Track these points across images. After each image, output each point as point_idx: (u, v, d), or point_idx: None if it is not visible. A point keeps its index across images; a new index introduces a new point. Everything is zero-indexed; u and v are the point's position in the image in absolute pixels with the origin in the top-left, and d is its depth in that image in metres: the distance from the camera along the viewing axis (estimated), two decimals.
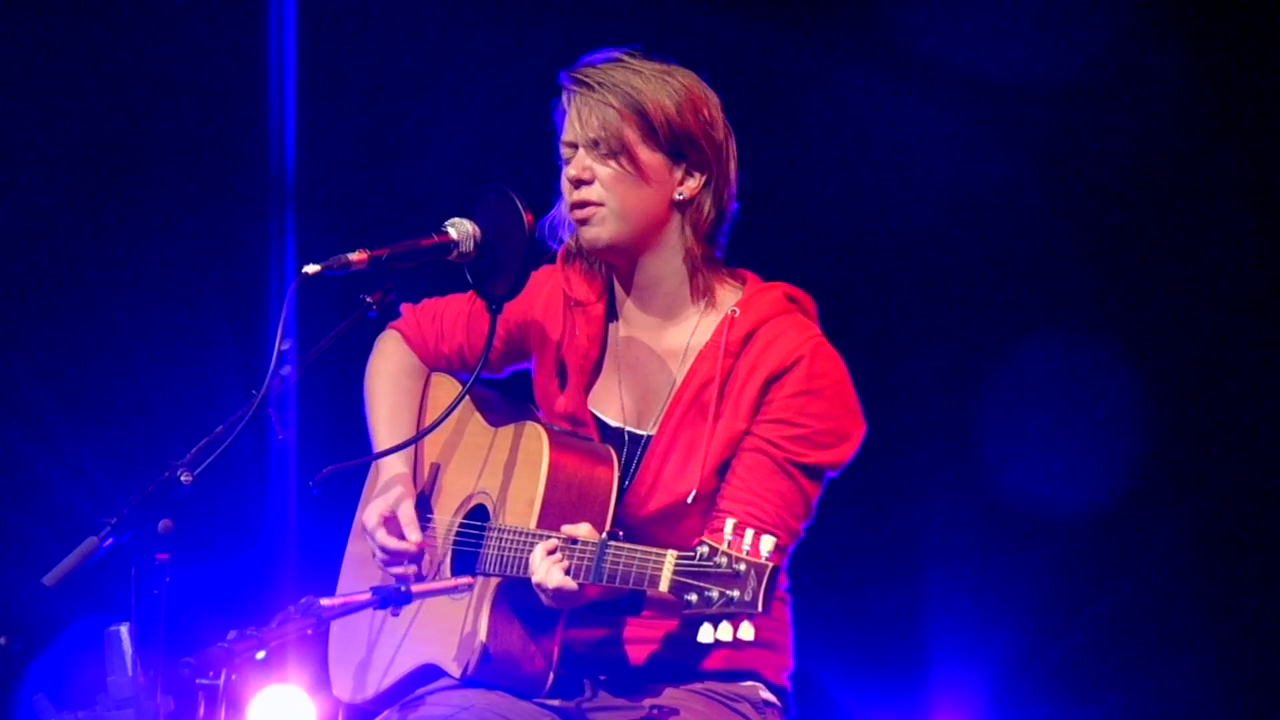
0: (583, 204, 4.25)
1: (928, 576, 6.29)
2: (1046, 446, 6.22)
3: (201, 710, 3.85)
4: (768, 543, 3.76)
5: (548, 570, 3.99)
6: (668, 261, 4.29)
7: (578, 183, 4.25)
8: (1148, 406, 6.14)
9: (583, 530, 4.03)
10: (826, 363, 4.21)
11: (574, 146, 4.25)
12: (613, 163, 4.22)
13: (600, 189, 4.23)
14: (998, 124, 6.18)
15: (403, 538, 4.35)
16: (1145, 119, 6.08)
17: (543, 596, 4.03)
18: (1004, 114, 6.17)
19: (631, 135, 4.21)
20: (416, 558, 4.35)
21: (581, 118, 4.23)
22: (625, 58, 4.26)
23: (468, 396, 4.42)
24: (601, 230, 4.25)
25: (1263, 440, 6.08)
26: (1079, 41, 6.09)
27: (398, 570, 4.35)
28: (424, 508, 4.46)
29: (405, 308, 4.57)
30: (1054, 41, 6.10)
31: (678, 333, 4.32)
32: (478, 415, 4.44)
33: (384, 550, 4.35)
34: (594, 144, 4.22)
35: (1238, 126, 6.04)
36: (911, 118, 6.24)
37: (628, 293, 4.35)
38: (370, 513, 4.39)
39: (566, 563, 3.97)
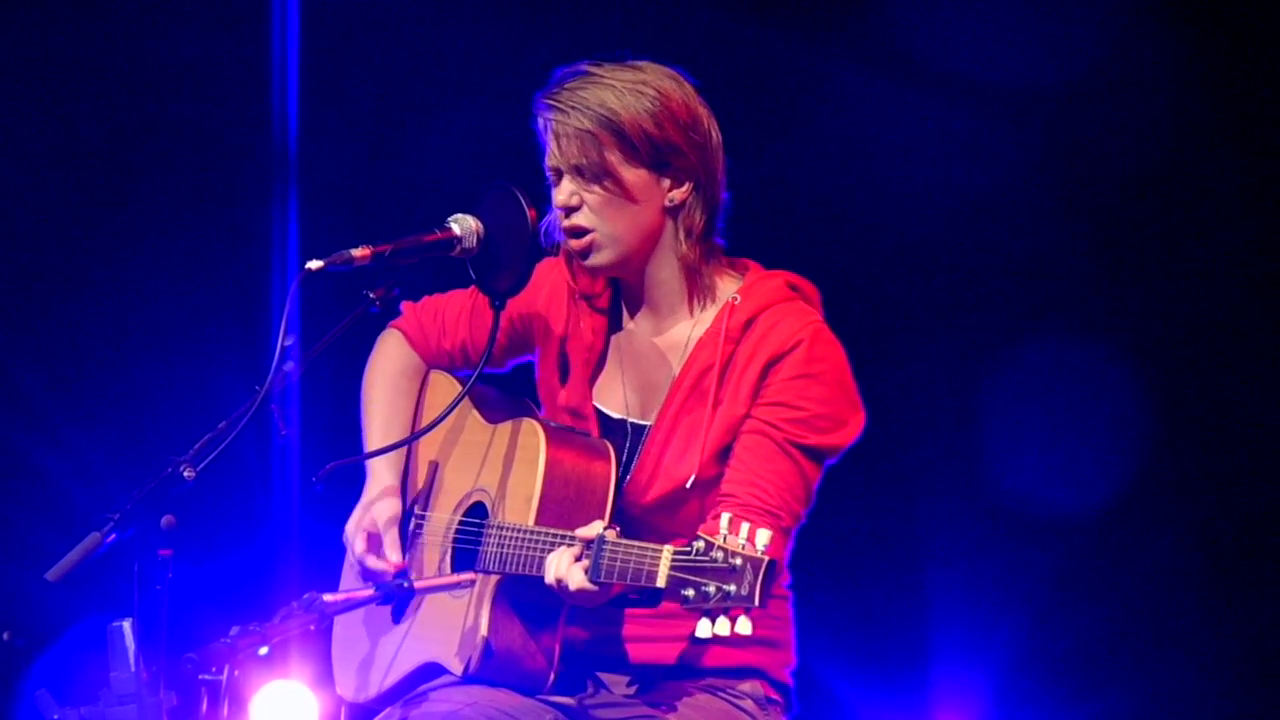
0: (578, 234, 4.24)
1: (930, 574, 6.30)
2: (1048, 444, 6.22)
3: (204, 706, 3.85)
4: (763, 536, 3.75)
5: (568, 569, 3.98)
6: (666, 265, 4.29)
7: (567, 210, 4.24)
8: (1149, 406, 6.14)
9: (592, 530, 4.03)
10: (826, 348, 4.21)
11: (559, 171, 4.25)
12: (597, 187, 4.20)
13: (590, 214, 4.22)
14: (1000, 123, 6.18)
15: (383, 558, 4.38)
16: (1145, 119, 6.08)
17: (564, 596, 4.02)
18: (1006, 114, 6.17)
19: (613, 157, 4.19)
20: (398, 575, 4.37)
21: (561, 145, 4.21)
22: (593, 70, 4.21)
23: (467, 395, 4.42)
24: (600, 258, 4.25)
25: (1263, 440, 6.08)
26: (1079, 42, 6.09)
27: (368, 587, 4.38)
28: (423, 505, 4.46)
29: (406, 305, 4.57)
30: (1054, 42, 6.10)
31: (680, 326, 4.32)
32: (475, 413, 4.44)
33: (363, 567, 4.38)
34: (577, 171, 4.21)
35: (1238, 127, 6.03)
36: (914, 117, 6.24)
37: (629, 292, 4.36)
38: (353, 527, 4.42)
39: (587, 562, 3.96)
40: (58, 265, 6.58)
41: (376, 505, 4.41)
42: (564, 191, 4.23)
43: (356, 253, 4.08)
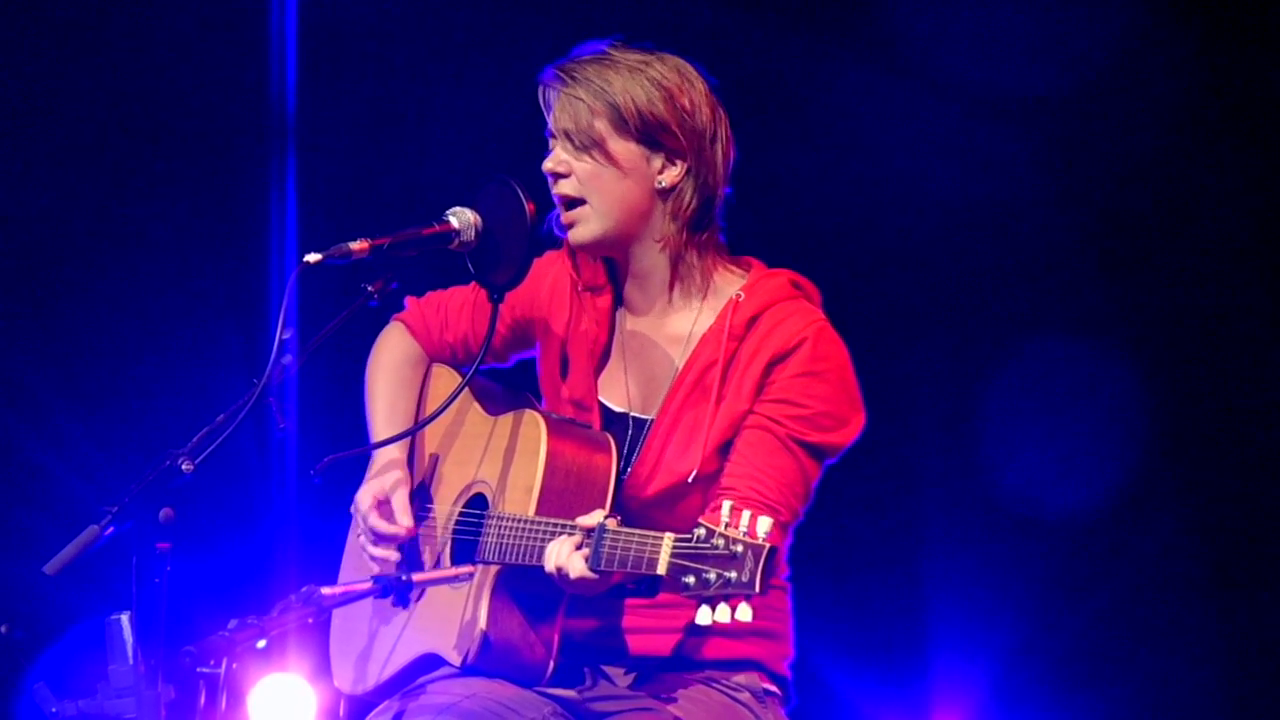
0: (566, 203, 4.26)
1: (928, 567, 6.30)
2: (1047, 442, 6.23)
3: (202, 699, 3.85)
4: (764, 524, 3.76)
5: (568, 557, 3.99)
6: (656, 250, 4.30)
7: (554, 176, 4.27)
8: (1147, 404, 6.14)
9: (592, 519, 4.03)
10: (830, 346, 4.22)
11: (553, 138, 4.27)
12: (586, 157, 4.23)
13: (576, 183, 4.25)
14: (1001, 125, 6.19)
15: (394, 522, 4.37)
16: (1146, 122, 6.09)
17: (563, 585, 4.03)
18: (1008, 115, 6.18)
19: (603, 127, 4.22)
20: (405, 544, 4.37)
21: (555, 111, 4.26)
22: (609, 51, 4.27)
23: (468, 388, 4.43)
24: (584, 229, 4.27)
25: (1260, 438, 6.08)
26: (1081, 46, 6.09)
27: (380, 553, 4.36)
28: (423, 497, 4.46)
29: (409, 300, 4.59)
30: (1057, 46, 6.11)
31: (680, 320, 4.32)
32: (477, 405, 4.44)
33: (374, 533, 4.37)
34: (567, 137, 4.24)
35: (1238, 130, 6.04)
36: (917, 119, 6.24)
37: (628, 282, 4.36)
38: (364, 494, 4.40)
39: (587, 550, 3.96)
40: (56, 258, 6.58)
41: (384, 475, 4.42)
42: (554, 159, 4.26)
43: (355, 246, 4.08)
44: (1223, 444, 6.13)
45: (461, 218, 4.21)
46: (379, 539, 4.38)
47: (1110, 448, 6.17)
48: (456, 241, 4.21)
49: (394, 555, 4.38)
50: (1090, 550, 6.22)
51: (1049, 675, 6.26)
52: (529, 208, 4.17)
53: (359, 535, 4.43)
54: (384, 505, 4.39)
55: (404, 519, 4.38)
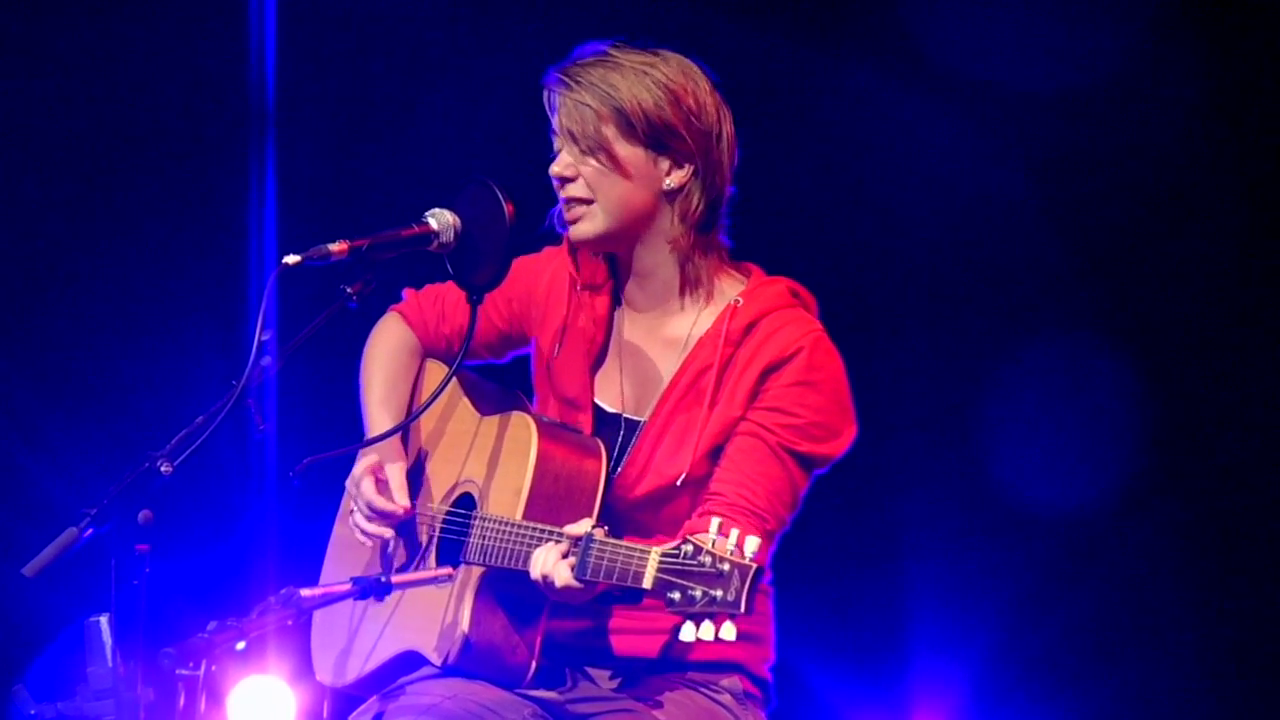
0: (569, 203, 4.26)
1: (910, 570, 6.30)
2: (1031, 442, 6.23)
3: (181, 701, 3.84)
4: (752, 544, 3.76)
5: (554, 565, 3.98)
6: (660, 252, 4.30)
7: (561, 180, 4.26)
8: (1130, 405, 6.15)
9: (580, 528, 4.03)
10: (825, 357, 4.22)
11: (560, 141, 4.27)
12: (593, 160, 4.23)
13: (584, 186, 4.25)
14: (1002, 127, 6.19)
15: (391, 499, 4.36)
16: (1146, 123, 6.09)
17: (548, 592, 4.02)
18: (1009, 117, 6.18)
19: (609, 132, 4.21)
20: (400, 523, 4.36)
21: (561, 116, 4.25)
22: (611, 51, 4.26)
23: (459, 384, 4.43)
24: (588, 227, 4.26)
25: (1249, 439, 6.09)
26: (1082, 48, 6.10)
27: (374, 529, 4.35)
28: (411, 492, 4.45)
29: (407, 292, 4.60)
30: (1058, 48, 6.11)
31: (678, 323, 4.32)
32: (467, 402, 4.44)
33: (370, 508, 4.36)
34: (573, 140, 4.23)
35: (1237, 130, 6.05)
36: (917, 121, 6.24)
37: (628, 282, 4.36)
38: (360, 468, 4.39)
39: (574, 559, 3.96)
40: (34, 260, 6.56)
41: (381, 450, 4.41)
42: (560, 163, 4.26)
43: (334, 247, 4.08)
44: (1210, 445, 6.14)
45: (440, 219, 4.21)
46: (375, 515, 4.37)
47: (1098, 448, 6.18)
48: (436, 243, 4.21)
49: (388, 533, 4.37)
50: (1072, 551, 6.23)
51: (1030, 676, 6.26)
52: (508, 209, 4.16)
53: (350, 515, 4.42)
54: (381, 482, 4.39)
55: (401, 497, 4.38)
